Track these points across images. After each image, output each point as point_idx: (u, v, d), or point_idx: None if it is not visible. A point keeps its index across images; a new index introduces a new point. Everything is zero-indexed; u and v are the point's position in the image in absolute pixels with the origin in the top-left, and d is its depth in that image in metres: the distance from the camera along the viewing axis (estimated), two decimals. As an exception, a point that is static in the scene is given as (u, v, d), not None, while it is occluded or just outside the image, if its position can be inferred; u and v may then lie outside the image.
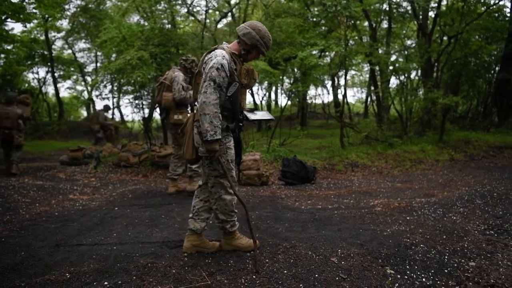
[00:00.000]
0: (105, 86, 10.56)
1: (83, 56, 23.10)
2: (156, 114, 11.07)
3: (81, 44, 23.15)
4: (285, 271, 2.62)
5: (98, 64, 21.94)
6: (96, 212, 4.42)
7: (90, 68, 23.55)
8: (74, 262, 2.83)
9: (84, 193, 5.65)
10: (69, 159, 8.43)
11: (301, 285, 2.43)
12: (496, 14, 12.66)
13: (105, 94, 11.66)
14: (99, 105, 24.66)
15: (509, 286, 2.49)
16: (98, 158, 7.93)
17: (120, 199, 5.18)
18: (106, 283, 2.47)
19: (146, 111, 10.67)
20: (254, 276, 2.55)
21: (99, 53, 20.92)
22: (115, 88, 12.09)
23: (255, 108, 3.17)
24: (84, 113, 27.98)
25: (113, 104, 21.09)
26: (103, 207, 4.72)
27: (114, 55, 10.67)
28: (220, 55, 2.69)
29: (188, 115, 5.03)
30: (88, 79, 23.37)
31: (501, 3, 12.49)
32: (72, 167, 8.06)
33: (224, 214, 2.93)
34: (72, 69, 22.53)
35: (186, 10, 11.45)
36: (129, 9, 11.37)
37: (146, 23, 9.42)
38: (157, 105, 10.34)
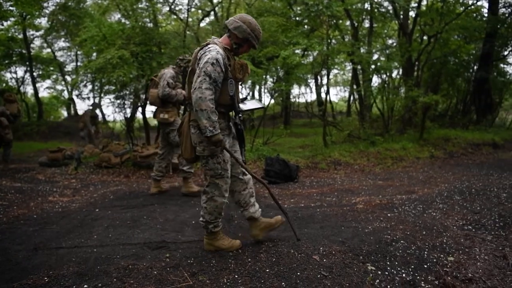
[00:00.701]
0: (85, 86, 10.36)
1: (63, 55, 22.60)
2: (139, 114, 10.95)
3: (61, 43, 22.57)
4: (267, 270, 2.62)
5: (79, 63, 21.53)
6: (76, 214, 4.34)
7: (70, 67, 23.09)
8: (53, 265, 2.78)
9: (64, 195, 5.54)
10: (48, 160, 8.24)
11: (283, 283, 2.44)
12: (474, 14, 12.96)
13: (86, 94, 11.45)
14: (79, 105, 24.19)
15: (486, 279, 2.55)
16: (78, 159, 7.79)
17: (101, 201, 5.10)
18: (86, 286, 2.43)
19: (128, 111, 10.53)
20: (236, 276, 2.54)
21: (79, 52, 20.53)
22: (96, 87, 11.91)
23: (245, 97, 3.20)
24: (64, 113, 27.42)
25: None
26: (84, 208, 4.64)
27: (94, 54, 10.49)
28: (214, 50, 2.65)
29: (184, 115, 5.01)
30: (68, 78, 22.91)
31: (479, 3, 12.79)
32: (51, 168, 7.89)
33: (211, 215, 2.92)
34: (51, 68, 22.02)
35: (168, 8, 11.36)
36: (109, 7, 11.19)
37: (127, 22, 9.29)
38: (139, 104, 10.21)
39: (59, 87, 25.53)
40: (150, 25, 9.70)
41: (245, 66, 2.88)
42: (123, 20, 10.05)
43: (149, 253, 2.99)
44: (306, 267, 2.65)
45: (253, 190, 3.13)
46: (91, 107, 11.40)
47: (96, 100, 17.53)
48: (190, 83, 2.80)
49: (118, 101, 9.69)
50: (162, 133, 5.42)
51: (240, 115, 2.95)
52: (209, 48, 2.70)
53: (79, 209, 4.60)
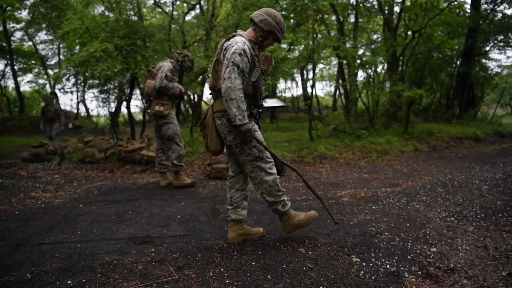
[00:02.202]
0: (68, 80, 10.14)
1: (45, 48, 22.11)
2: (123, 108, 10.82)
3: (43, 36, 22.07)
4: (253, 263, 2.63)
5: (61, 57, 21.08)
6: (60, 210, 4.27)
7: (53, 61, 22.59)
8: (36, 261, 2.73)
9: (47, 191, 5.45)
10: (30, 155, 8.09)
11: (269, 276, 2.45)
12: (457, 10, 13.14)
13: (68, 88, 11.20)
14: (62, 99, 23.73)
15: (468, 269, 2.61)
16: (62, 154, 7.66)
17: (85, 196, 5.03)
18: (69, 282, 2.40)
19: (113, 105, 10.39)
20: (222, 269, 2.54)
21: (62, 45, 20.09)
22: (80, 81, 11.67)
23: (266, 95, 3.26)
24: (47, 107, 26.82)
25: (77, 98, 20.38)
26: (67, 204, 4.57)
27: (77, 47, 10.28)
28: (240, 41, 2.69)
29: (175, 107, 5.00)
30: (51, 72, 22.42)
31: (461, -1, 12.97)
32: (34, 164, 7.74)
33: (272, 196, 2.91)
34: (33, 61, 21.52)
35: (152, 1, 11.17)
36: (92, -1, 10.99)
37: (111, 14, 9.12)
38: (124, 98, 10.06)
39: (41, 81, 24.99)
40: (135, 18, 9.55)
41: (269, 58, 2.93)
42: (106, 13, 9.87)
43: (134, 248, 2.96)
44: (292, 260, 2.67)
45: (249, 194, 3.13)
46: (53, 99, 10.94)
47: (79, 95, 17.17)
48: (216, 72, 2.83)
49: (103, 96, 9.56)
50: (155, 126, 5.40)
51: (260, 110, 2.97)
52: (235, 39, 2.74)
53: (62, 205, 4.53)
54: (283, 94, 25.16)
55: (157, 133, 5.45)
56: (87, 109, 21.86)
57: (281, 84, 24.74)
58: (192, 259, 2.71)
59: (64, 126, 9.88)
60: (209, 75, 2.93)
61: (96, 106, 20.79)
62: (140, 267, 2.60)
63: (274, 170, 2.93)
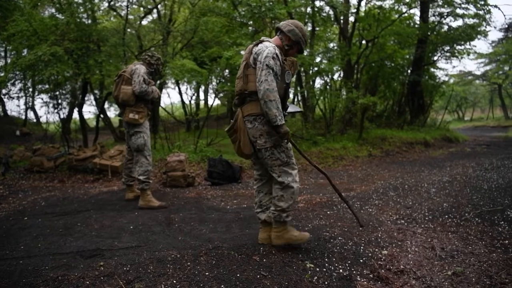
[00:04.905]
0: (13, 84, 9.58)
1: (-10, 50, 20.83)
2: (76, 114, 10.39)
3: (-13, 38, 20.82)
4: (207, 273, 2.57)
5: (8, 60, 19.94)
6: (1, 224, 4.00)
7: (-1, 64, 21.30)
8: (-30, 281, 2.52)
9: (-12, 203, 5.09)
10: (-29, 165, 7.53)
11: (222, 286, 2.40)
12: (408, 22, 13.81)
13: (14, 93, 10.56)
14: (8, 105, 22.34)
15: (416, 270, 2.71)
16: (6, 164, 7.19)
17: (31, 208, 4.75)
18: (7, 301, 2.23)
19: (64, 111, 9.94)
20: (174, 281, 2.47)
21: (8, 48, 19.01)
22: (27, 86, 11.07)
23: None
24: (-8, 114, 25.24)
25: (26, 104, 19.30)
26: (10, 217, 4.29)
27: (26, 51, 9.76)
28: (271, 46, 2.77)
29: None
30: (-4, 76, 21.13)
31: (411, 11, 13.60)
32: (-25, 174, 7.22)
33: (287, 202, 2.88)
34: (-24, 65, 20.21)
35: (107, 4, 10.84)
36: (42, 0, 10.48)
37: (62, 16, 8.74)
38: (76, 104, 9.65)
39: (-15, 86, 23.46)
40: (88, 21, 9.22)
41: (295, 63, 3.01)
42: (57, 15, 9.45)
43: (82, 262, 2.81)
44: (246, 268, 2.64)
45: (280, 195, 3.05)
46: None
47: (28, 100, 16.27)
48: (246, 76, 2.85)
49: (53, 101, 9.13)
50: (127, 134, 5.01)
51: (285, 114, 3.01)
52: (265, 44, 2.81)
53: (5, 218, 4.25)
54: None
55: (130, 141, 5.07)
56: (36, 115, 20.76)
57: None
58: (144, 272, 2.61)
59: None
60: (237, 79, 2.95)
61: (45, 113, 19.69)
62: (88, 282, 2.47)
63: (298, 179, 2.97)
